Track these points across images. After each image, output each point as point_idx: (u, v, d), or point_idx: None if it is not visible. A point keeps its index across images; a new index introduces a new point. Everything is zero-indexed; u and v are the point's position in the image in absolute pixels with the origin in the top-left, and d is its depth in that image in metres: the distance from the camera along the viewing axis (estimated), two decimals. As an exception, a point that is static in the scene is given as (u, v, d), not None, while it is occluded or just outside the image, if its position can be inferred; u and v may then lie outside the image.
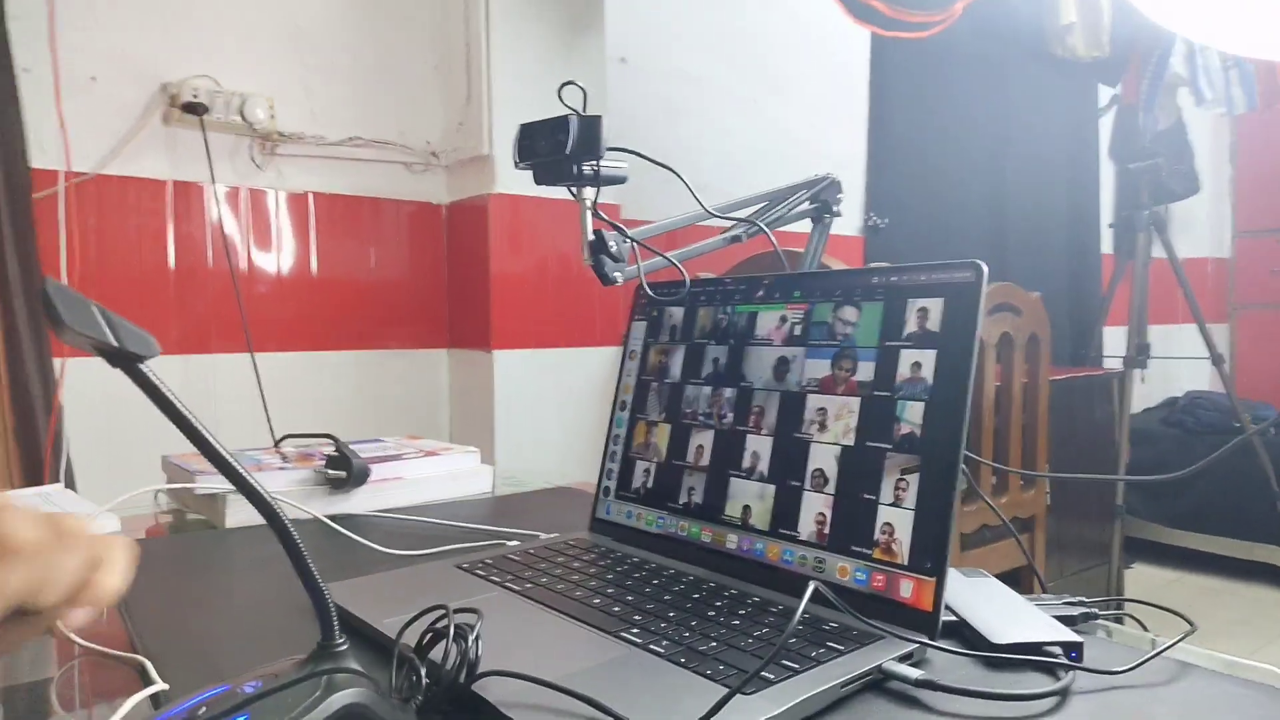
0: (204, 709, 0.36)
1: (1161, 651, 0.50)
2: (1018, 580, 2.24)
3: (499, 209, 1.79)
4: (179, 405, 0.33)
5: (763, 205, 0.86)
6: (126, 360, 0.33)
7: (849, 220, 2.70)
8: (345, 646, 0.39)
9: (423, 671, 0.43)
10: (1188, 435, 3.34)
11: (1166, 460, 3.31)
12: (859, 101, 2.74)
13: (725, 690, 0.41)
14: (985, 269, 0.54)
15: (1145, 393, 3.44)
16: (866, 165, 2.76)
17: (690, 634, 0.50)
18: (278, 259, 1.69)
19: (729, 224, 0.83)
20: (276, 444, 1.08)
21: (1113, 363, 2.86)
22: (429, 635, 0.46)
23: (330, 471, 0.89)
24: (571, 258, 1.88)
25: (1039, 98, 3.02)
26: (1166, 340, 3.55)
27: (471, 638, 0.44)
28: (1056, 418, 2.26)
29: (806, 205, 0.90)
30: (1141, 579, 3.10)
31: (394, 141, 1.79)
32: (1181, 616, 0.53)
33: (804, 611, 0.45)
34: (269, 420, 1.56)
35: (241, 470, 0.35)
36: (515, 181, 1.77)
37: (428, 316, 1.89)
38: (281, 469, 0.89)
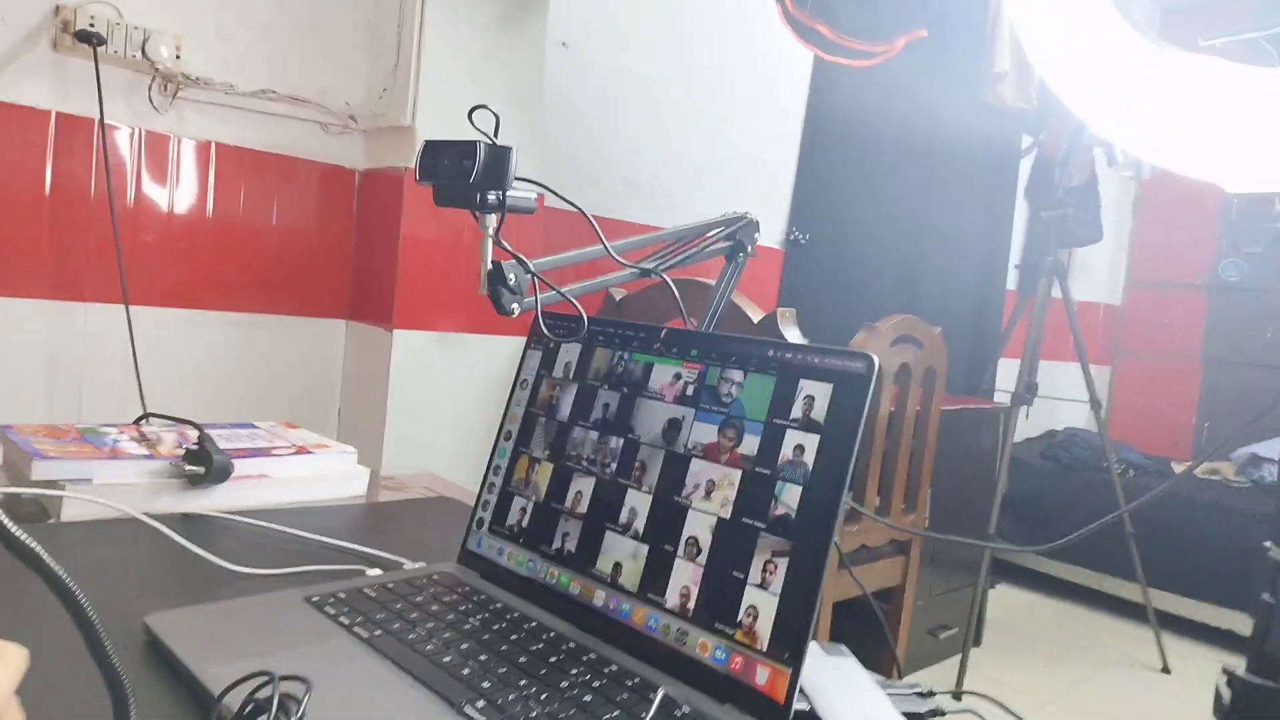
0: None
1: (997, 758, 0.52)
2: (889, 598, 2.32)
3: (416, 183, 1.72)
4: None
5: (678, 241, 0.85)
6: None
7: (771, 233, 2.72)
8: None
9: (238, 749, 0.40)
10: (1061, 469, 3.54)
11: (1041, 490, 3.50)
12: (795, 117, 2.76)
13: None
14: (877, 362, 0.54)
15: (1028, 422, 3.63)
16: (795, 179, 2.78)
17: (538, 714, 0.48)
18: (170, 209, 1.58)
19: (641, 245, 0.81)
20: (137, 420, 1.01)
21: (1003, 396, 2.98)
22: (250, 705, 0.43)
23: (188, 466, 0.83)
24: (487, 242, 1.82)
25: (966, 138, 3.11)
26: (1055, 375, 3.73)
27: (296, 715, 0.41)
28: (944, 445, 2.35)
29: (722, 244, 0.89)
30: (1003, 599, 3.28)
31: (311, 100, 1.69)
32: (1017, 718, 0.55)
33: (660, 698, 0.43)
34: (139, 383, 1.46)
35: (81, 601, 0.31)
36: (436, 158, 1.70)
37: (329, 286, 1.80)
38: (135, 459, 0.83)
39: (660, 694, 0.44)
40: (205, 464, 0.83)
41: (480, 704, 0.49)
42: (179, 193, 1.58)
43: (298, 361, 1.78)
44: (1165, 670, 2.74)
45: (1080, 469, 3.49)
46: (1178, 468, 3.70)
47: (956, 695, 0.59)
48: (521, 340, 1.95)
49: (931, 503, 2.37)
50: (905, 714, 0.54)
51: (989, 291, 3.61)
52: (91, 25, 1.41)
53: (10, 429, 0.88)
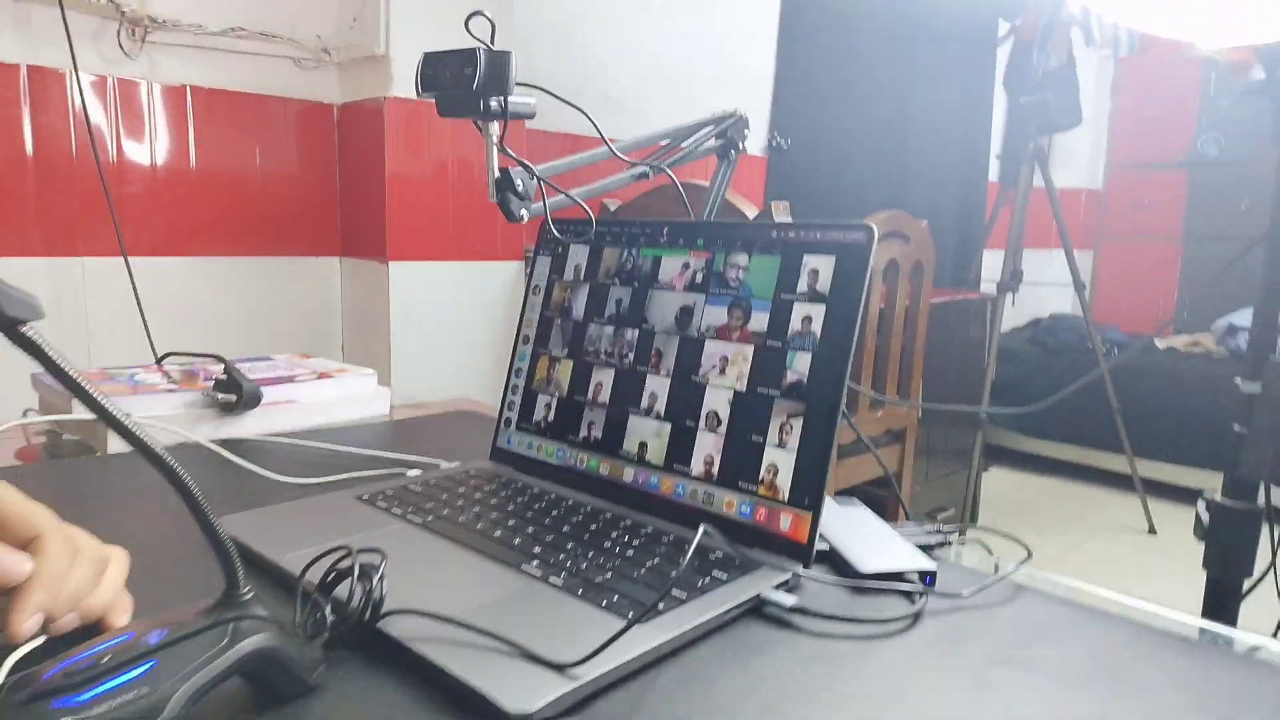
0: (108, 657, 0.37)
1: (1002, 578, 0.57)
2: (886, 486, 2.42)
3: (395, 113, 1.71)
4: (69, 370, 0.33)
5: (670, 141, 0.87)
6: (8, 325, 0.32)
7: (753, 140, 2.71)
8: (251, 596, 0.40)
9: (328, 609, 0.45)
10: (1047, 354, 3.63)
11: (1029, 376, 3.59)
12: (770, 21, 2.72)
13: (620, 621, 0.45)
14: (876, 231, 0.57)
15: (1014, 312, 3.69)
16: (774, 85, 2.76)
17: (587, 565, 0.54)
18: (152, 157, 1.57)
19: (635, 147, 0.83)
20: (158, 361, 1.04)
21: (989, 286, 3.03)
22: (332, 575, 0.47)
23: (220, 395, 0.86)
24: (474, 167, 1.83)
25: (943, 29, 3.07)
26: (1038, 263, 3.77)
27: (376, 577, 0.46)
28: (934, 336, 2.41)
29: (713, 142, 0.91)
30: (996, 480, 3.41)
31: (281, 35, 1.67)
32: (1020, 543, 0.60)
33: (693, 550, 0.48)
34: (148, 332, 1.49)
35: (147, 441, 0.35)
36: (413, 84, 1.69)
37: (319, 224, 1.81)
38: (168, 391, 0.87)
39: (701, 530, 0.49)
40: (236, 392, 0.86)
41: (535, 563, 0.54)
42: (159, 140, 1.57)
43: (296, 301, 1.80)
44: (1152, 531, 2.88)
45: (1066, 352, 3.58)
46: (1160, 344, 3.80)
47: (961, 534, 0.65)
48: (516, 265, 1.97)
49: (924, 393, 2.44)
50: (917, 545, 0.59)
51: (972, 183, 3.62)
52: (50, -29, 1.38)
53: (43, 374, 0.91)
